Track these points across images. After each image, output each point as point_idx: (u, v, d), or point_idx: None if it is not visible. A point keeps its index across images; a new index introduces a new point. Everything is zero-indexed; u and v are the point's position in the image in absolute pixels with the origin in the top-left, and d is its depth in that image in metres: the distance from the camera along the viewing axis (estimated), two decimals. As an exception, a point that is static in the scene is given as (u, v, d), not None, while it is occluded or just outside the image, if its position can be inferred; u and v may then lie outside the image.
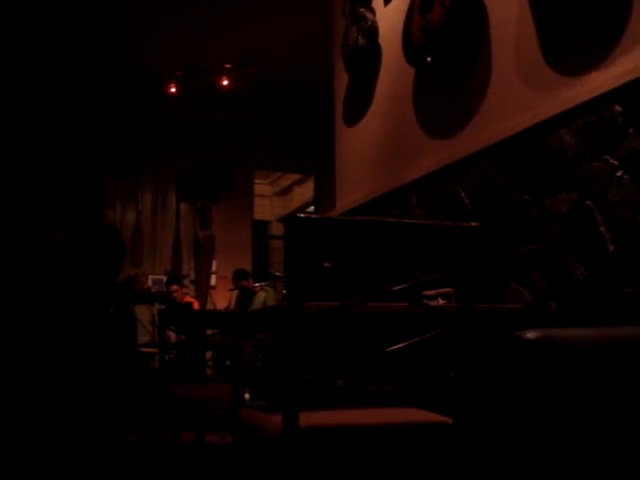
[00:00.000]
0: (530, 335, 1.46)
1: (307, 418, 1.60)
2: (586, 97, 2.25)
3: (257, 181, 10.66)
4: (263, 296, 7.44)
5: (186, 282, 8.60)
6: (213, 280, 9.14)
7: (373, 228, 1.69)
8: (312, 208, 10.55)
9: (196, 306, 7.87)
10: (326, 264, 1.73)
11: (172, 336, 6.23)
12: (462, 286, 1.70)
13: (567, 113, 2.33)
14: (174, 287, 7.67)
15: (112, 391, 3.07)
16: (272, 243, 12.19)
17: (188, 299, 7.90)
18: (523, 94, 2.61)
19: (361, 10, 3.71)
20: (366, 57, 3.74)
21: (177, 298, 7.53)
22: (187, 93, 8.00)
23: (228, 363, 5.79)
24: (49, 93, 7.74)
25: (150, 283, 8.58)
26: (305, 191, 11.61)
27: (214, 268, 9.16)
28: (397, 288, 1.67)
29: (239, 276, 7.79)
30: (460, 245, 1.69)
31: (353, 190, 4.00)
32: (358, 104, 3.98)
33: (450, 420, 1.71)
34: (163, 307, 7.49)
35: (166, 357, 3.78)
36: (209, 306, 8.49)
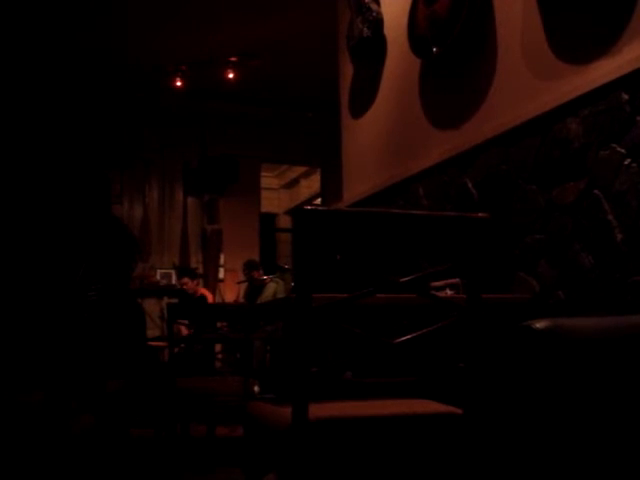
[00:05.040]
0: (539, 325, 1.46)
1: (316, 410, 1.61)
2: (593, 85, 2.23)
3: (264, 174, 10.66)
4: (274, 287, 7.40)
5: (194, 276, 8.60)
6: (221, 273, 9.15)
7: (380, 219, 1.69)
8: (319, 200, 10.55)
9: (210, 299, 7.87)
10: (334, 256, 1.73)
11: (183, 330, 6.26)
12: (470, 277, 1.70)
13: (574, 102, 2.32)
14: (185, 280, 7.69)
15: (121, 385, 3.07)
16: (280, 236, 12.20)
17: (202, 291, 7.90)
18: (529, 83, 2.60)
19: (366, 1, 3.70)
20: (371, 48, 3.73)
21: (189, 290, 7.54)
22: (193, 86, 7.99)
23: (237, 356, 5.81)
24: (54, 88, 7.75)
25: (158, 277, 8.61)
26: (312, 183, 11.60)
27: (222, 261, 9.18)
28: (405, 279, 1.67)
29: (250, 266, 7.77)
30: (467, 236, 1.69)
31: (360, 182, 4.00)
32: (364, 96, 3.97)
33: (460, 411, 1.71)
34: (172, 301, 7.52)
35: (175, 350, 3.79)
36: (217, 299, 8.51)
